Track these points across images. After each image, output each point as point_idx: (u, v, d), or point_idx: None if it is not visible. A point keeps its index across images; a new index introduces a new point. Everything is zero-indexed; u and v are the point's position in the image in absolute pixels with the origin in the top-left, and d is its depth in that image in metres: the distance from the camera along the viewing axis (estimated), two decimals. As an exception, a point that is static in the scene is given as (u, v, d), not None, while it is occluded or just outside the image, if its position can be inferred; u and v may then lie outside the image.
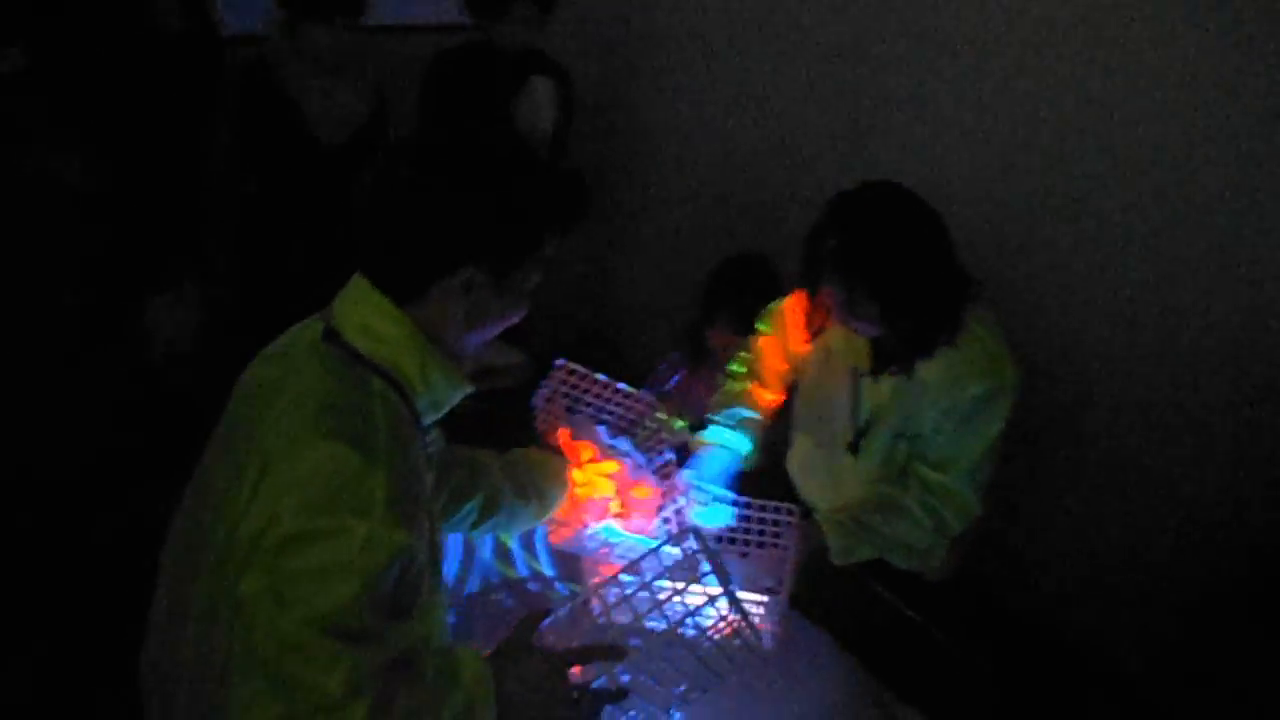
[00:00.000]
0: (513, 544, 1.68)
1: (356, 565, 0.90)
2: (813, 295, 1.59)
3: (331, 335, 1.03)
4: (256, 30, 2.38)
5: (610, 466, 1.60)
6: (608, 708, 1.12)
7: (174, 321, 2.05)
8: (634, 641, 1.12)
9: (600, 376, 1.62)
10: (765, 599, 1.54)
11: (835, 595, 1.71)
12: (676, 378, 2.45)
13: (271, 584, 0.89)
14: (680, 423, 2.09)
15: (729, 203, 2.96)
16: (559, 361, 1.61)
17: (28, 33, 2.06)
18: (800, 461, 1.89)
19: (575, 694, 1.06)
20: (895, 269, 1.46)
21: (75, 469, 2.04)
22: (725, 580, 1.13)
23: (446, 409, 1.12)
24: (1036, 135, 2.08)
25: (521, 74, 2.52)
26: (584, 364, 1.61)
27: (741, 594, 1.47)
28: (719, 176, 2.98)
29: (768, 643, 1.38)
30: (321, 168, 2.38)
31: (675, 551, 1.27)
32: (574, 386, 1.63)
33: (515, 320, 1.12)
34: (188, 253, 2.08)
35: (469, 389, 1.11)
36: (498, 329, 1.11)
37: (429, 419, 1.10)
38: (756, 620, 1.49)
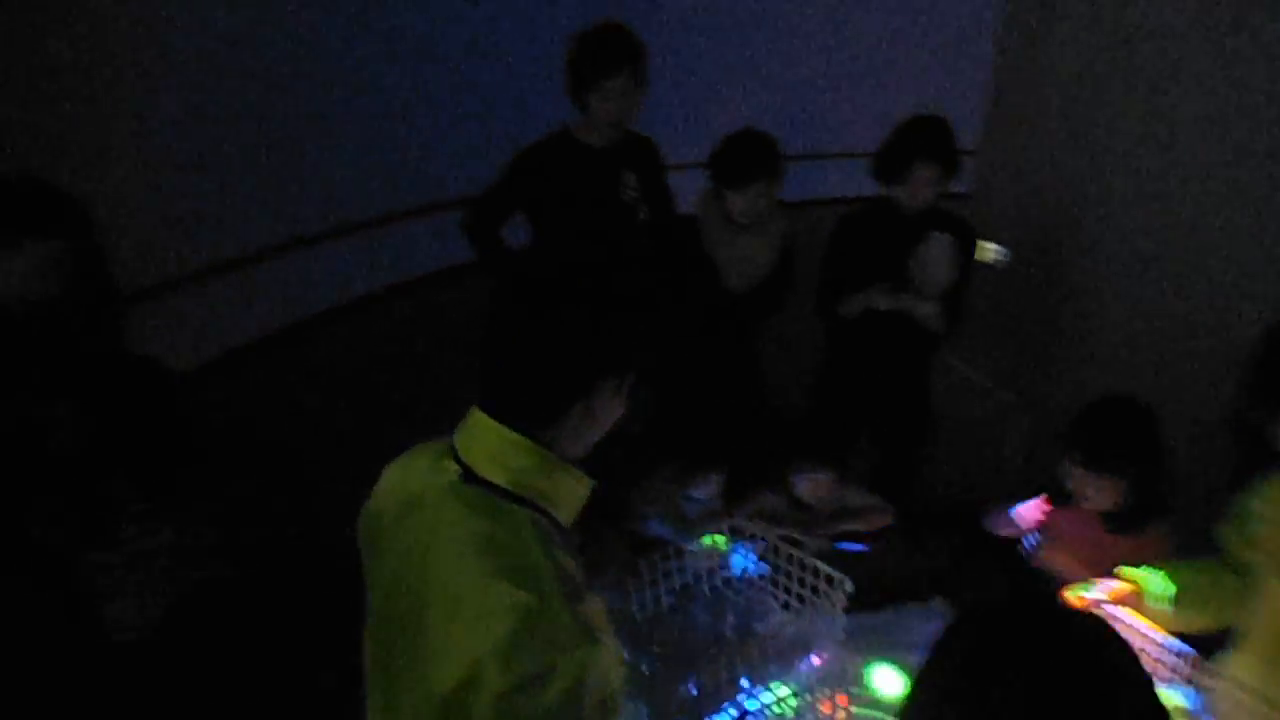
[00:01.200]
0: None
1: (577, 688, 0.98)
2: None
3: (469, 475, 1.10)
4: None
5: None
6: None
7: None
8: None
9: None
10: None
11: None
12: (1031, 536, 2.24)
13: None
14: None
15: (1175, 346, 2.65)
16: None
17: (535, 210, 2.76)
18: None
19: None
20: None
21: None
22: None
23: (580, 507, 1.17)
24: None
25: (920, 230, 2.61)
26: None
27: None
28: (1160, 318, 2.72)
29: None
30: (730, 310, 2.72)
31: None
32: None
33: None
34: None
35: (591, 485, 1.17)
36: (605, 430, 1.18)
37: (568, 520, 1.16)
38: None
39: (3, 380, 1.69)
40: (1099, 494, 2.00)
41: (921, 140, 2.53)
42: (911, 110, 2.64)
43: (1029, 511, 2.21)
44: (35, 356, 1.72)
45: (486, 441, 1.11)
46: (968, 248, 2.69)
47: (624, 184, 2.77)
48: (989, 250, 3.31)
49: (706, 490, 2.35)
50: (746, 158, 2.57)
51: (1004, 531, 2.24)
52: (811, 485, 2.33)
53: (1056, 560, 2.14)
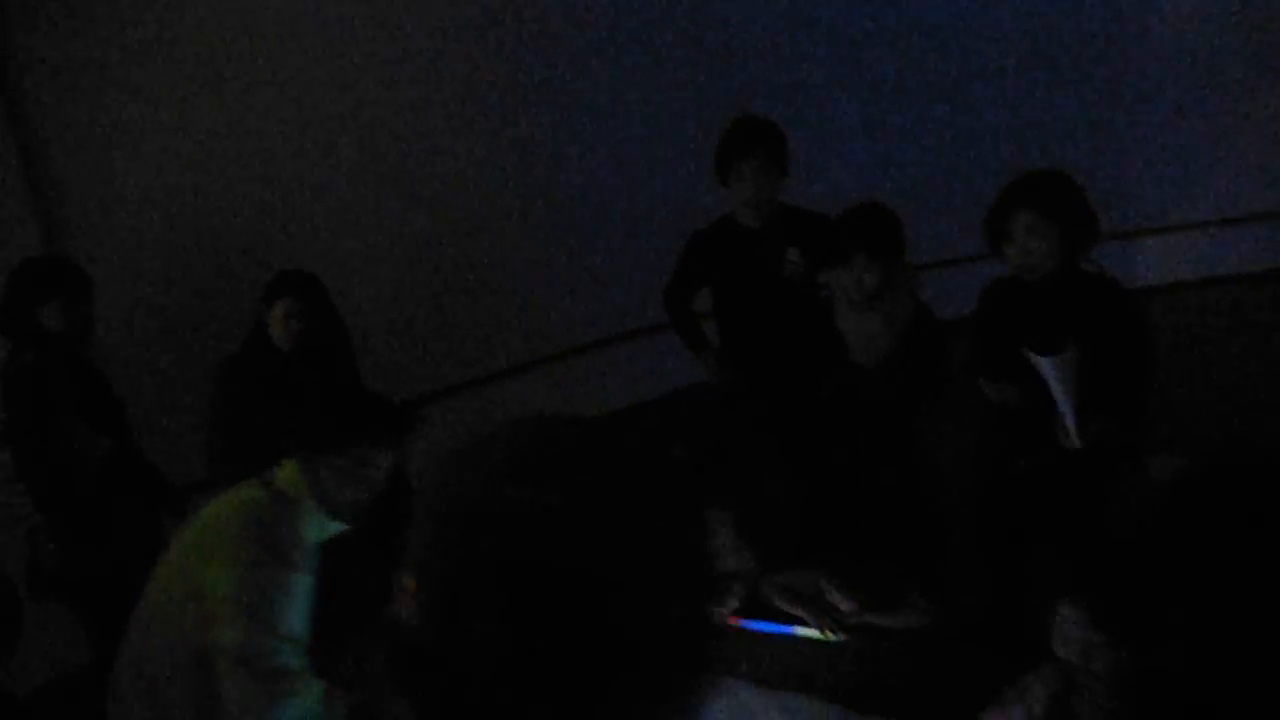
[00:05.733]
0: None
1: None
2: None
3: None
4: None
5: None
6: None
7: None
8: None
9: None
10: None
11: None
12: None
13: None
14: None
15: None
16: None
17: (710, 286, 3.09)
18: None
19: None
20: None
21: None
22: None
23: None
24: None
25: (1059, 301, 2.25)
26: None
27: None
28: None
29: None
30: (858, 385, 2.67)
31: None
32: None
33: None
34: None
35: None
36: None
37: None
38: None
39: (269, 394, 2.75)
40: None
41: (1016, 192, 2.20)
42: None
43: None
44: (292, 382, 2.76)
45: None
46: (1121, 320, 2.20)
47: (786, 259, 2.92)
48: None
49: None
50: (848, 232, 2.54)
51: None
52: (842, 602, 2.20)
53: None
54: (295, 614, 1.62)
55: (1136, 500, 2.37)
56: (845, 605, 2.16)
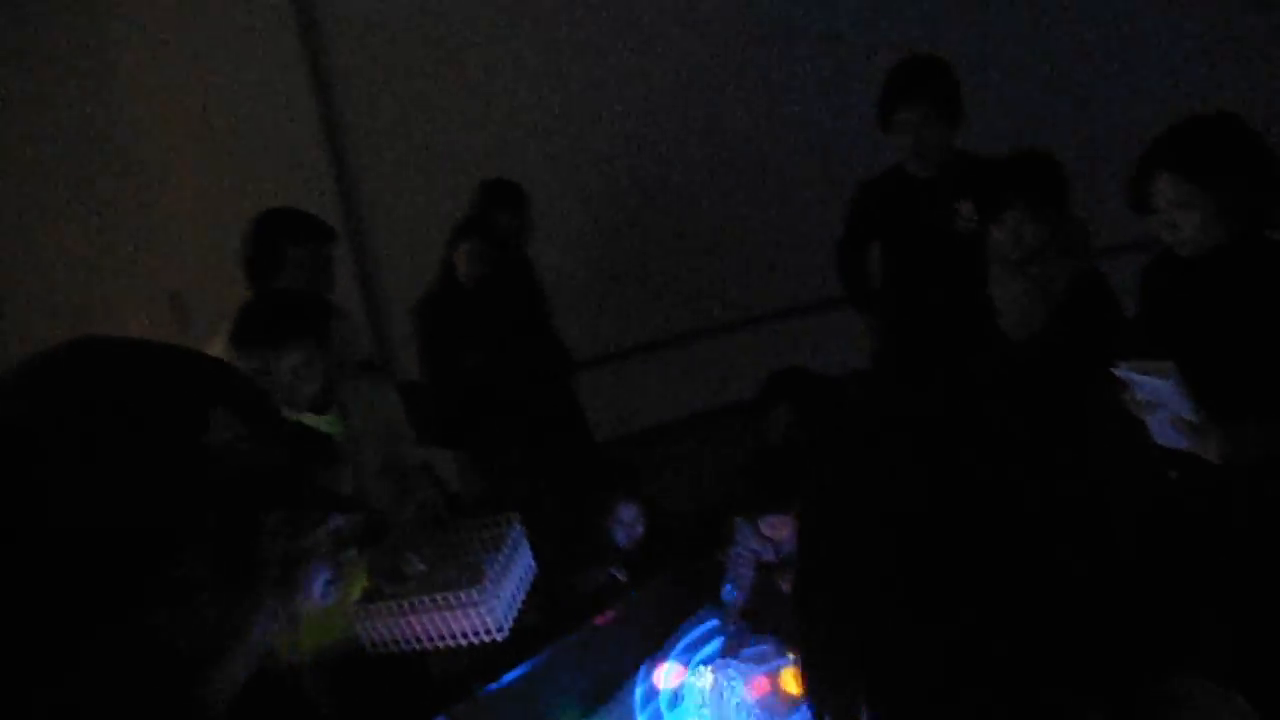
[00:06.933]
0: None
1: None
2: None
3: None
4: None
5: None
6: None
7: None
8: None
9: None
10: None
11: None
12: None
13: None
14: None
15: None
16: None
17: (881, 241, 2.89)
18: None
19: None
20: None
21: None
22: None
23: None
24: None
25: (1208, 279, 1.79)
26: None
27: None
28: None
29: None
30: (1008, 366, 2.36)
31: None
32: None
33: None
34: None
35: None
36: None
37: None
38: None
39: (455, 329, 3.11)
40: None
41: (1157, 150, 1.75)
42: None
43: None
44: (473, 316, 3.09)
45: None
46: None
47: (958, 213, 2.63)
48: None
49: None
50: (1005, 181, 2.21)
51: None
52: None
53: None
54: None
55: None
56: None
